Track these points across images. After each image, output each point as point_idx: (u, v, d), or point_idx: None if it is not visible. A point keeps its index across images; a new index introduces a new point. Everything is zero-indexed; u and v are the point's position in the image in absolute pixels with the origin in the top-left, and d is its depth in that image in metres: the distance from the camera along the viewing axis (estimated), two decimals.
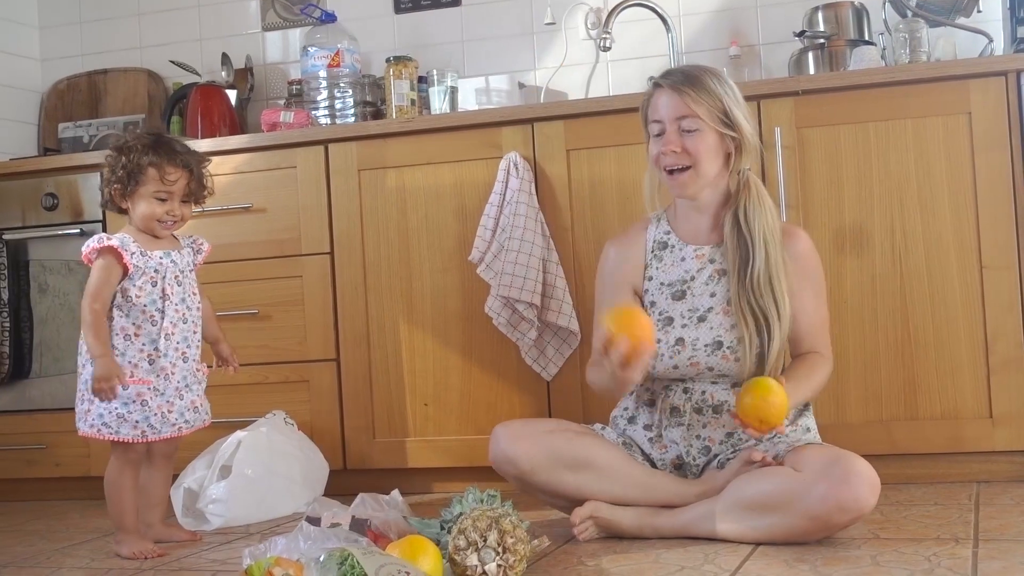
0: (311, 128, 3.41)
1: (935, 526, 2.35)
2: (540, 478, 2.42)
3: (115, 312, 2.57)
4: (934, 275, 2.82)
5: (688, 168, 2.39)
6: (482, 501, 2.15)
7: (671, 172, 2.41)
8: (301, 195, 3.25)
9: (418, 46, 3.83)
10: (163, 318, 2.59)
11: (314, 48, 3.63)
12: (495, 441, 2.45)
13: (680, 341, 2.43)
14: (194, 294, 2.68)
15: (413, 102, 3.55)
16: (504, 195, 3.04)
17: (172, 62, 3.99)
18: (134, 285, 2.56)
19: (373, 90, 3.69)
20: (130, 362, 2.56)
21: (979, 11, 3.27)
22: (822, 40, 3.30)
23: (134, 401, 2.55)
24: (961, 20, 3.28)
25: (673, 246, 2.50)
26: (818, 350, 2.44)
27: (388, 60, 3.59)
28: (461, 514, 2.10)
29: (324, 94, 3.61)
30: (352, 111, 3.61)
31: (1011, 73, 2.78)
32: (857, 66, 3.11)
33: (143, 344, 2.58)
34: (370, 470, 3.20)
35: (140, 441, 2.57)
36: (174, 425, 2.61)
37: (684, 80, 2.39)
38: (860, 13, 3.33)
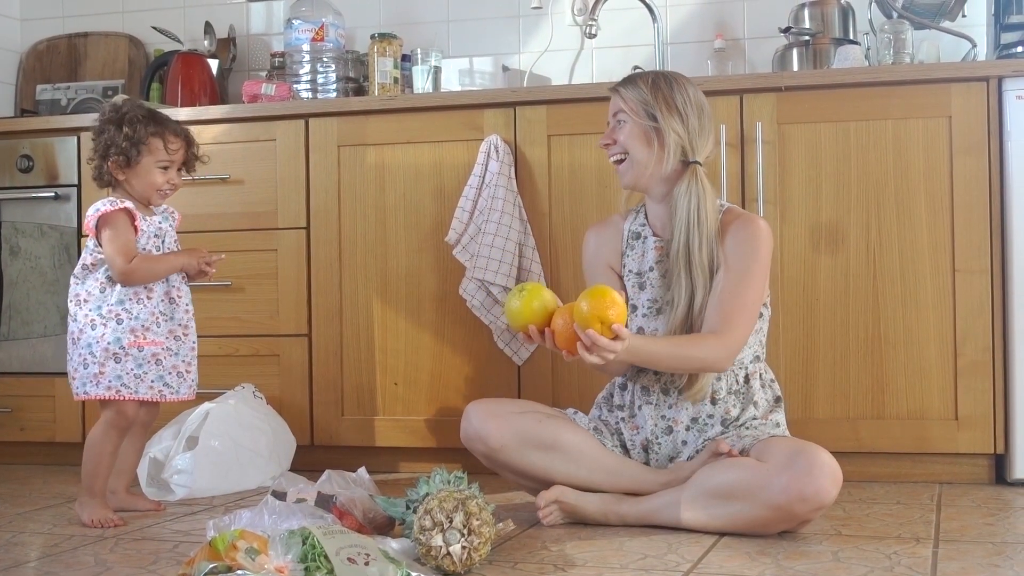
0: (292, 101, 3.39)
1: (897, 525, 2.37)
2: (509, 456, 2.45)
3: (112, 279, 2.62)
4: (907, 276, 2.84)
5: (625, 159, 2.48)
6: (449, 482, 2.15)
7: (616, 165, 2.52)
8: (279, 168, 3.23)
9: (403, 24, 3.81)
10: (167, 280, 2.64)
11: (298, 21, 3.60)
12: (467, 418, 2.49)
13: (640, 331, 2.51)
14: None
15: (396, 80, 3.54)
16: (483, 177, 3.03)
17: (154, 28, 3.96)
18: (142, 248, 2.61)
19: (356, 66, 3.67)
20: (143, 325, 2.60)
21: (964, 16, 3.29)
22: (807, 37, 3.30)
23: (148, 361, 2.60)
24: (946, 24, 3.30)
25: (646, 238, 2.56)
26: (717, 330, 2.38)
27: (372, 37, 3.57)
28: (427, 494, 2.10)
29: (307, 68, 3.59)
30: (334, 86, 3.59)
31: (992, 79, 2.80)
32: (841, 65, 3.12)
33: (155, 306, 2.62)
34: (337, 447, 3.19)
35: (158, 400, 2.63)
36: (191, 387, 2.68)
37: (623, 80, 2.54)
38: (846, 12, 3.34)
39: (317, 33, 3.58)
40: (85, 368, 2.58)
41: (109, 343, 2.57)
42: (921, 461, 2.87)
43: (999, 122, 2.79)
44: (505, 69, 3.57)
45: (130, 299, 2.59)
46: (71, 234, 3.37)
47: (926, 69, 2.88)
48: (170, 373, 2.63)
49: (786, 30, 3.33)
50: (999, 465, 2.85)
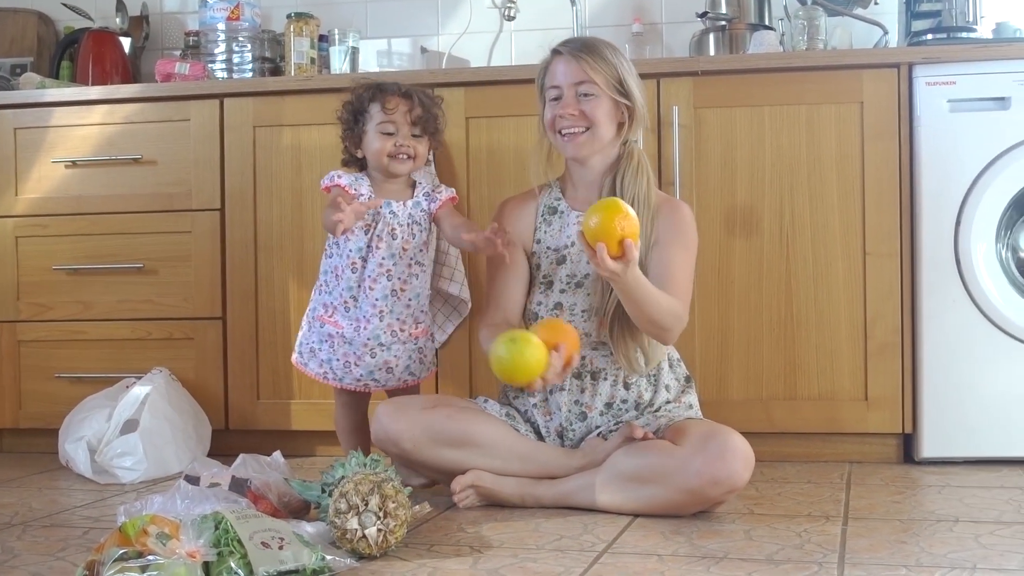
0: (207, 81, 3.34)
1: (807, 504, 2.41)
2: (422, 455, 2.42)
3: (331, 249, 2.59)
4: (819, 259, 2.88)
5: (586, 131, 2.44)
6: (365, 465, 2.14)
7: (567, 135, 2.46)
8: (193, 149, 3.18)
9: (320, 4, 3.77)
10: (363, 268, 2.54)
11: (214, 0, 3.55)
12: (376, 420, 2.44)
13: (559, 305, 2.50)
14: (414, 250, 2.57)
15: (313, 60, 3.50)
16: None
17: (64, 4, 3.86)
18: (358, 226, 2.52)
19: (272, 46, 3.62)
20: (331, 303, 2.58)
21: (876, 3, 3.35)
22: (724, 22, 3.33)
23: (325, 341, 2.59)
24: (858, 11, 3.35)
25: (563, 212, 2.55)
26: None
27: (289, 16, 3.53)
28: (343, 477, 2.09)
29: (222, 47, 3.53)
30: (250, 66, 3.53)
31: (903, 65, 2.85)
32: (756, 50, 3.15)
33: (343, 289, 2.56)
34: (253, 431, 3.16)
35: (323, 382, 2.61)
36: (359, 380, 2.58)
37: (583, 48, 2.47)
38: None
39: (233, 12, 3.53)
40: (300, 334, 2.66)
41: (310, 309, 2.63)
42: (832, 441, 2.92)
43: (909, 108, 2.84)
44: (423, 51, 3.55)
45: (329, 272, 2.59)
46: None
47: (838, 55, 2.92)
48: (338, 361, 2.56)
49: (703, 15, 3.36)
50: (907, 444, 2.91)
